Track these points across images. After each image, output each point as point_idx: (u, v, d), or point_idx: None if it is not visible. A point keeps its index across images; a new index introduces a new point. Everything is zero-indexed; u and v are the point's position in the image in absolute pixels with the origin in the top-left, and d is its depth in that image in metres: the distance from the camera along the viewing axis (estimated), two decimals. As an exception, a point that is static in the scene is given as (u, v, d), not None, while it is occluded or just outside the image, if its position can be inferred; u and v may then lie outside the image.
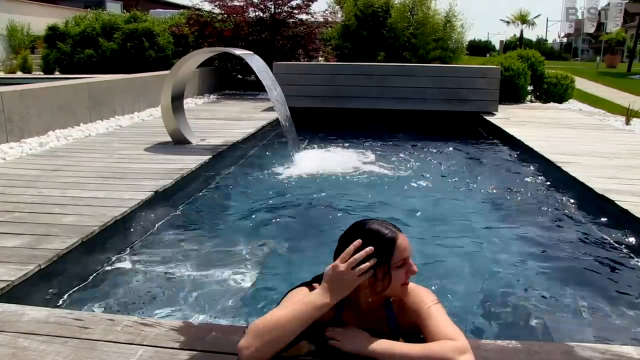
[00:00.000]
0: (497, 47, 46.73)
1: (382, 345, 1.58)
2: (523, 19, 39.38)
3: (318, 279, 1.70)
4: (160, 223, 3.74)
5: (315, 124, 8.20)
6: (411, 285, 1.71)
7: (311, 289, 1.68)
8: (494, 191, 4.90)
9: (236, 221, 4.01)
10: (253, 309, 2.62)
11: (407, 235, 1.66)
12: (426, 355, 1.52)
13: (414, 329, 1.68)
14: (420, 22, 12.82)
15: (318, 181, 5.11)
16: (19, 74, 11.93)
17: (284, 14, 12.35)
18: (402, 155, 6.37)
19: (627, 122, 7.95)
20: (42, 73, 12.35)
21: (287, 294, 1.73)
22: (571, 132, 7.03)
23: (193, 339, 1.79)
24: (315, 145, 6.84)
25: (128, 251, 3.26)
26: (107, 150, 5.41)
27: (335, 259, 1.64)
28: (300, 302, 1.58)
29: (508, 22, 41.21)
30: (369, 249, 1.56)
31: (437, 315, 1.62)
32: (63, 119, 6.50)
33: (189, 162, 4.81)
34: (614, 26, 28.75)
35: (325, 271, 1.61)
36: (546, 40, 65.11)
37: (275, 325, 1.53)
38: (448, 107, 8.88)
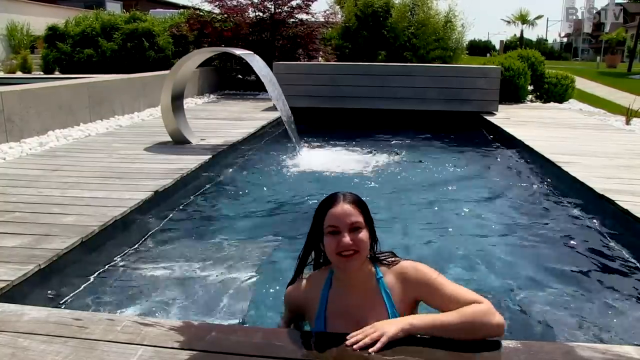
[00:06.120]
0: (498, 47, 46.75)
1: (420, 319, 1.58)
2: (523, 19, 39.42)
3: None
4: (159, 223, 3.74)
5: (315, 123, 8.18)
6: (410, 262, 1.73)
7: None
8: (493, 191, 4.89)
9: (236, 220, 4.01)
10: (254, 309, 2.62)
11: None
12: (465, 320, 1.54)
13: (414, 305, 1.70)
14: (420, 22, 12.81)
15: (317, 179, 5.11)
16: (19, 74, 11.92)
17: (284, 14, 12.34)
18: (401, 154, 6.37)
19: (627, 122, 7.94)
20: (42, 73, 12.34)
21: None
22: (571, 132, 7.03)
23: (193, 339, 1.79)
24: (315, 145, 6.83)
25: (126, 251, 3.25)
26: (107, 150, 5.40)
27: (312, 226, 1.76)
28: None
29: (508, 22, 41.30)
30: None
31: (449, 284, 1.65)
32: (63, 118, 6.50)
33: (189, 162, 4.80)
34: (608, 25, 28.81)
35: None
36: (546, 40, 65.22)
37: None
38: (448, 107, 8.87)
